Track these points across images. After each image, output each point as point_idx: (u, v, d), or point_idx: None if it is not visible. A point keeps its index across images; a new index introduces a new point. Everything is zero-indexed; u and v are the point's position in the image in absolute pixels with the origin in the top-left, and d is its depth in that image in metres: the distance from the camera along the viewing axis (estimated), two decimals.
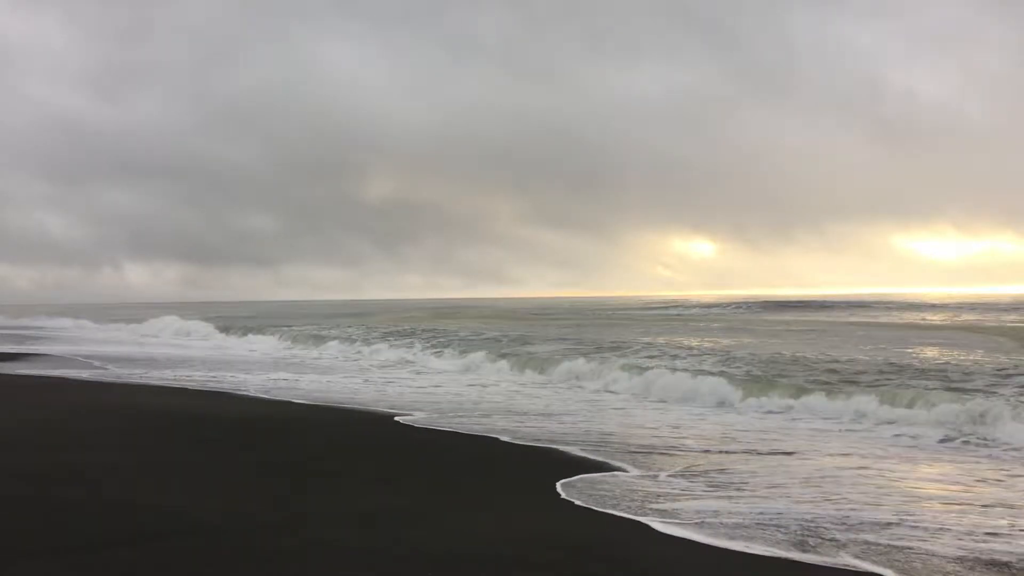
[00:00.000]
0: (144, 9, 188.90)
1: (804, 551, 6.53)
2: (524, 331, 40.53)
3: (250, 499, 8.03)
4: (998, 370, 19.09)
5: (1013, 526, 7.31)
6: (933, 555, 6.42)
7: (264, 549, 6.34)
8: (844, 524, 7.29)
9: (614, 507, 7.92)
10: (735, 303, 78.36)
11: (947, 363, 21.06)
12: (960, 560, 6.31)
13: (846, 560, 6.32)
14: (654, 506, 7.98)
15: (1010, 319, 44.71)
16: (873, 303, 70.28)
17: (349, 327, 47.47)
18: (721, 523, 7.33)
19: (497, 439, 11.97)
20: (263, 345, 37.36)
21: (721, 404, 16.07)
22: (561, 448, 11.16)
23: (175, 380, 20.63)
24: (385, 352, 30.30)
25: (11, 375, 21.46)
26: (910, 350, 25.47)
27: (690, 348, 27.87)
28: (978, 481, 9.34)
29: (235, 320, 59.75)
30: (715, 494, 8.52)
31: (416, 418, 14.01)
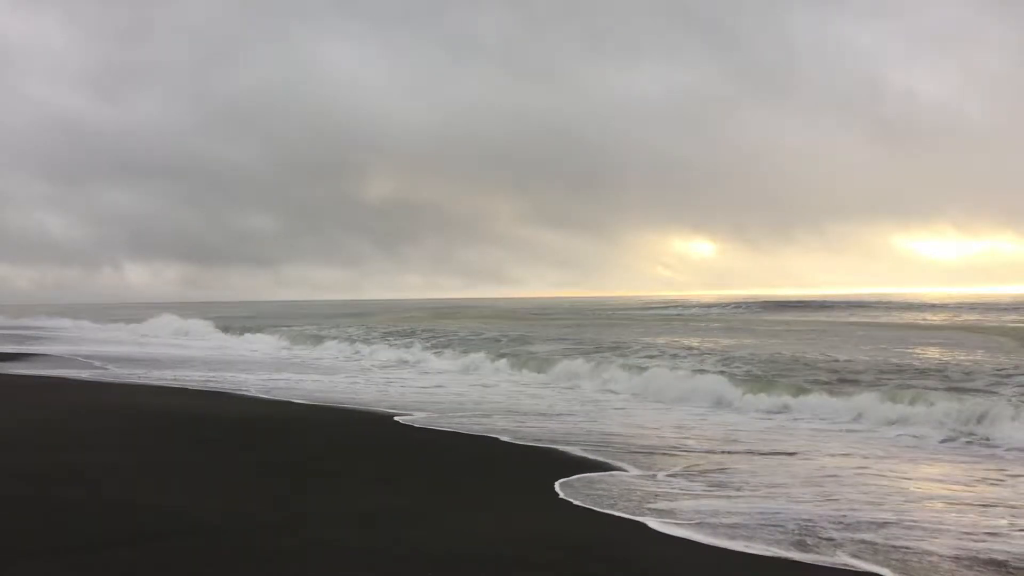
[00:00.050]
0: (144, 9, 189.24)
1: (802, 551, 6.53)
2: (524, 331, 40.54)
3: (250, 499, 8.03)
4: (998, 370, 19.10)
5: (1012, 526, 7.31)
6: (931, 554, 6.43)
7: (264, 549, 6.35)
8: (843, 523, 7.29)
9: (612, 507, 7.92)
10: (735, 303, 78.36)
11: (947, 363, 21.06)
12: (957, 559, 6.31)
13: (844, 560, 6.32)
14: (652, 506, 7.98)
15: (1010, 319, 44.70)
16: (873, 303, 70.26)
17: (349, 327, 47.49)
18: (720, 523, 7.33)
19: (497, 439, 11.97)
20: (263, 345, 37.35)
21: (721, 404, 16.06)
22: (561, 448, 11.17)
23: (175, 380, 20.63)
24: (385, 352, 30.28)
25: (11, 375, 21.46)
26: (910, 350, 25.48)
27: (690, 348, 27.88)
28: (978, 481, 9.35)
29: (235, 320, 59.76)
30: (714, 494, 8.52)
31: (416, 418, 14.01)
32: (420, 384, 20.32)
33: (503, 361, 24.33)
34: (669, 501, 8.17)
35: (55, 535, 6.57)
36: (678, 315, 63.70)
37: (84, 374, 22.07)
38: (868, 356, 23.23)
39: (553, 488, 8.70)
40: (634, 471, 9.68)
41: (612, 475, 9.47)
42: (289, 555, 6.18)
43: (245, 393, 17.92)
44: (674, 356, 24.89)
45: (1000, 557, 6.35)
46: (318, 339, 37.37)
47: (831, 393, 15.73)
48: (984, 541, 6.78)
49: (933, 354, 24.05)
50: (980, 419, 12.70)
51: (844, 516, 7.55)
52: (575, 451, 10.94)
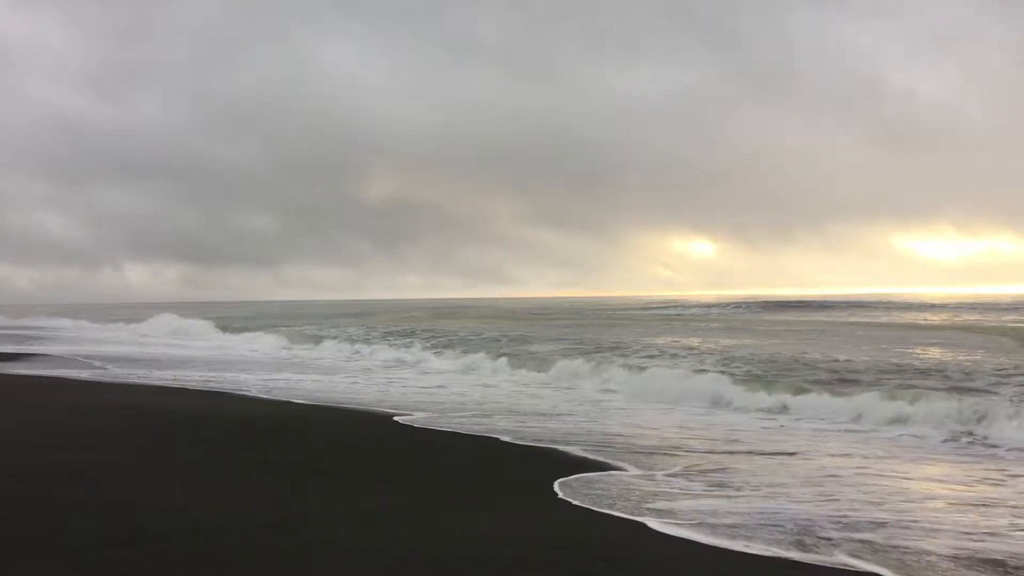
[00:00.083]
0: (144, 9, 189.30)
1: (802, 550, 6.53)
2: (524, 331, 40.53)
3: (250, 499, 8.03)
4: (998, 370, 19.10)
5: (1013, 526, 7.31)
6: (930, 554, 6.43)
7: (264, 549, 6.35)
8: (842, 523, 7.29)
9: (610, 507, 7.92)
10: (735, 303, 78.35)
11: (947, 363, 21.06)
12: (955, 559, 6.32)
13: (843, 559, 6.32)
14: (651, 506, 7.98)
15: (1010, 319, 44.70)
16: (873, 303, 70.25)
17: (349, 327, 47.48)
18: (720, 523, 7.33)
19: (497, 439, 11.97)
20: (263, 345, 37.35)
21: (722, 404, 16.06)
22: (562, 448, 11.16)
23: (175, 380, 20.63)
24: (385, 352, 30.28)
25: (11, 375, 21.46)
26: (910, 350, 25.48)
27: (690, 348, 27.88)
28: (978, 481, 9.34)
29: (235, 320, 59.76)
30: (714, 494, 8.52)
31: (416, 418, 14.01)
32: (421, 384, 20.32)
33: (503, 361, 24.32)
34: (668, 501, 8.17)
35: (55, 535, 6.57)
36: (678, 315, 63.69)
37: (84, 374, 22.06)
38: (868, 356, 23.23)
39: (553, 488, 8.70)
40: (633, 471, 9.67)
41: (611, 475, 9.47)
42: (289, 555, 6.18)
43: (245, 393, 17.92)
44: (674, 356, 24.88)
45: (999, 557, 6.35)
46: (318, 339, 37.38)
47: (831, 393, 15.73)
48: (983, 541, 6.78)
49: (933, 354, 24.05)
50: (980, 419, 12.71)
51: (844, 516, 7.55)
52: (575, 451, 10.94)
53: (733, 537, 6.89)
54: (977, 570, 6.07)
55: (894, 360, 21.87)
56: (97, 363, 25.88)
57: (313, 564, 5.99)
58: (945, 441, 12.10)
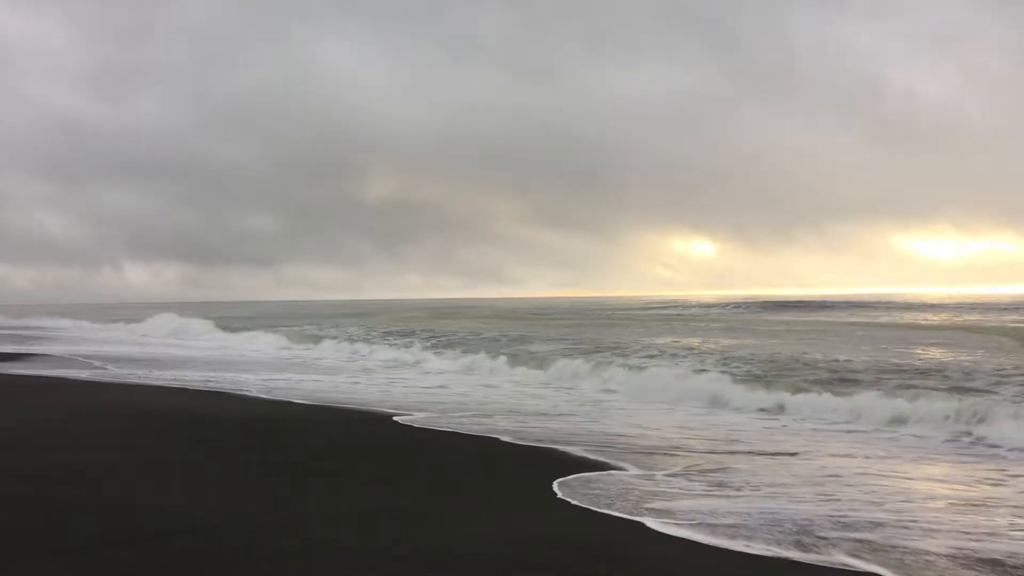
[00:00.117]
0: (144, 9, 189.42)
1: (802, 550, 6.53)
2: (524, 331, 40.54)
3: (250, 499, 8.03)
4: (998, 370, 19.10)
5: (1013, 526, 7.31)
6: (928, 553, 6.43)
7: (264, 549, 6.35)
8: (841, 523, 7.29)
9: (609, 507, 7.92)
10: (735, 303, 78.33)
11: (947, 363, 21.06)
12: (953, 558, 6.32)
13: (841, 559, 6.32)
14: (649, 505, 7.98)
15: (1010, 319, 44.70)
16: (873, 303, 70.24)
17: (349, 327, 47.50)
18: (720, 523, 7.33)
19: (498, 439, 11.97)
20: (263, 345, 37.35)
21: (722, 404, 16.06)
22: (562, 448, 11.16)
23: (175, 380, 20.62)
24: (385, 352, 30.28)
25: (11, 375, 21.46)
26: (910, 350, 25.48)
27: (690, 348, 27.88)
28: (979, 481, 9.34)
29: (235, 320, 59.77)
30: (714, 494, 8.52)
31: (416, 418, 14.01)
32: (423, 384, 20.31)
33: (504, 362, 24.31)
34: (668, 501, 8.17)
35: (55, 535, 6.56)
36: (678, 315, 63.69)
37: (84, 374, 22.06)
38: (868, 356, 23.23)
39: (552, 488, 8.70)
40: (634, 471, 9.67)
41: (610, 474, 9.46)
42: (289, 555, 6.18)
43: (245, 393, 17.92)
44: (674, 356, 24.88)
45: (997, 556, 6.35)
46: (318, 339, 37.38)
47: (831, 393, 15.73)
48: (982, 541, 6.78)
49: (933, 354, 24.05)
50: (981, 419, 12.71)
51: (844, 516, 7.55)
52: (576, 451, 10.93)
53: (733, 537, 6.89)
54: (976, 570, 6.07)
55: (894, 360, 21.87)
56: (97, 363, 25.88)
57: (313, 564, 5.98)
58: (946, 441, 12.10)
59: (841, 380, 18.16)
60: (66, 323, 61.87)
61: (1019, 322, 41.31)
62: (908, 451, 11.39)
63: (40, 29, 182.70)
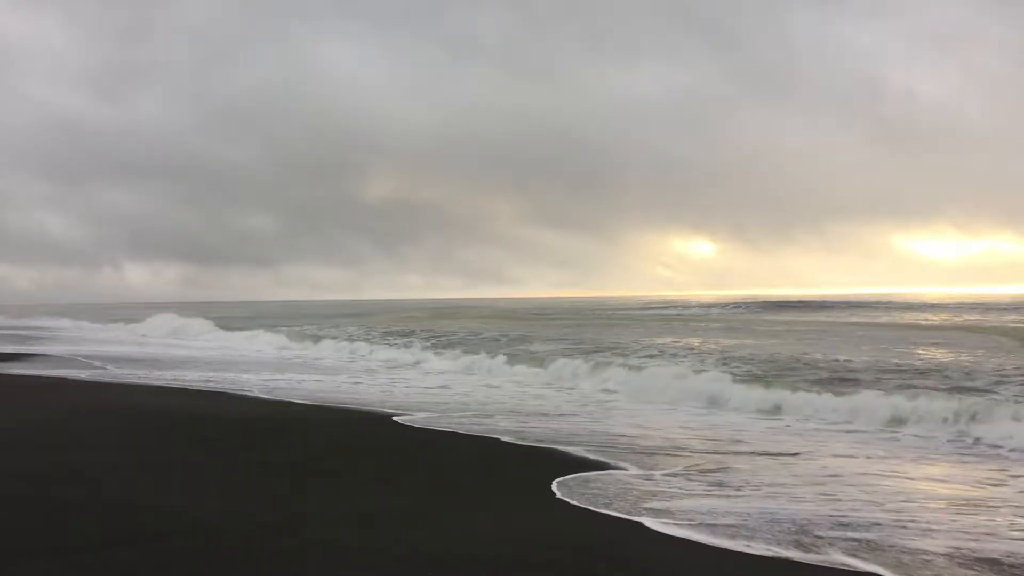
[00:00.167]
0: (144, 9, 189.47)
1: (799, 550, 6.53)
2: (524, 331, 40.54)
3: (250, 499, 8.03)
4: (998, 370, 19.09)
5: (1013, 526, 7.31)
6: (926, 552, 6.43)
7: (264, 549, 6.34)
8: (841, 523, 7.29)
9: (607, 506, 7.92)
10: (735, 303, 78.32)
11: (947, 363, 21.06)
12: (951, 557, 6.32)
13: (841, 559, 6.32)
14: (648, 505, 7.97)
15: (1010, 319, 44.69)
16: (873, 303, 70.24)
17: (349, 327, 47.50)
18: (719, 522, 7.33)
19: (498, 439, 11.96)
20: (263, 345, 37.36)
21: (722, 405, 16.05)
22: (563, 448, 11.16)
23: (175, 380, 20.62)
24: (386, 352, 30.28)
25: (11, 375, 21.46)
26: (910, 350, 25.48)
27: (690, 348, 27.88)
28: (978, 481, 9.34)
29: (235, 320, 59.76)
30: (714, 493, 8.51)
31: (416, 418, 14.01)
32: (423, 384, 20.31)
33: (503, 362, 24.30)
34: (666, 500, 8.17)
35: (55, 535, 6.56)
36: (678, 315, 63.68)
37: (84, 374, 22.06)
38: (868, 356, 23.23)
39: (552, 488, 8.69)
40: (633, 470, 9.67)
41: (609, 474, 9.46)
42: (289, 555, 6.18)
43: (245, 393, 17.92)
44: (674, 356, 24.88)
45: (995, 556, 6.35)
46: (318, 339, 37.38)
47: (832, 393, 15.72)
48: (981, 540, 6.78)
49: (933, 354, 24.04)
50: (981, 419, 12.70)
51: (844, 516, 7.54)
52: (576, 451, 10.93)
53: (733, 537, 6.89)
54: (974, 569, 6.06)
55: (894, 360, 21.86)
56: (97, 363, 25.88)
57: (313, 564, 5.98)
58: (947, 441, 12.09)
59: (841, 380, 18.15)
60: (66, 323, 61.89)
61: (1019, 322, 41.30)
62: (909, 451, 11.39)
63: (40, 29, 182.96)
